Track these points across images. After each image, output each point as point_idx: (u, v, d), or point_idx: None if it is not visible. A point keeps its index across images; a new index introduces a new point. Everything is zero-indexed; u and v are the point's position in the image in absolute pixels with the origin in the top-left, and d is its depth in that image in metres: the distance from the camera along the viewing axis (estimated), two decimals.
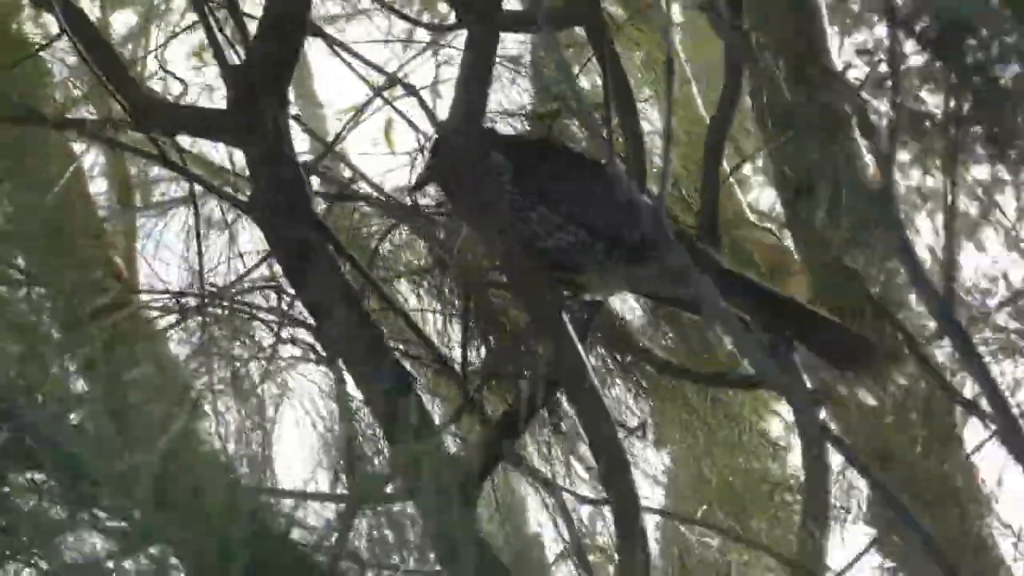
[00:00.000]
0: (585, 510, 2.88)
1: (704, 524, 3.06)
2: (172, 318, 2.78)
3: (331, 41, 3.05)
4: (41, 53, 2.91)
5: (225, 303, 2.77)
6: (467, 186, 2.31)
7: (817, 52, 3.06)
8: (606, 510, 2.75)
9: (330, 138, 3.19)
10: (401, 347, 2.73)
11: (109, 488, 1.95)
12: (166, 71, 3.10)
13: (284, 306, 2.74)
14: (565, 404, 2.72)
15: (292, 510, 2.14)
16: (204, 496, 1.93)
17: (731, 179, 3.26)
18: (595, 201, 2.31)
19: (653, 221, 2.06)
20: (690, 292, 2.15)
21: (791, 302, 2.41)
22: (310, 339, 2.72)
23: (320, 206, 2.81)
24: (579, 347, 2.25)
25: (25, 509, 1.96)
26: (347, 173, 3.15)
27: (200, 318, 2.76)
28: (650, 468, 3.04)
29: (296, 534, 2.02)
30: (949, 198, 2.01)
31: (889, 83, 1.95)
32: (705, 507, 3.13)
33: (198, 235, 2.91)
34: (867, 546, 3.04)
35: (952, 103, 1.98)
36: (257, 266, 2.71)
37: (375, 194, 2.94)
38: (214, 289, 2.82)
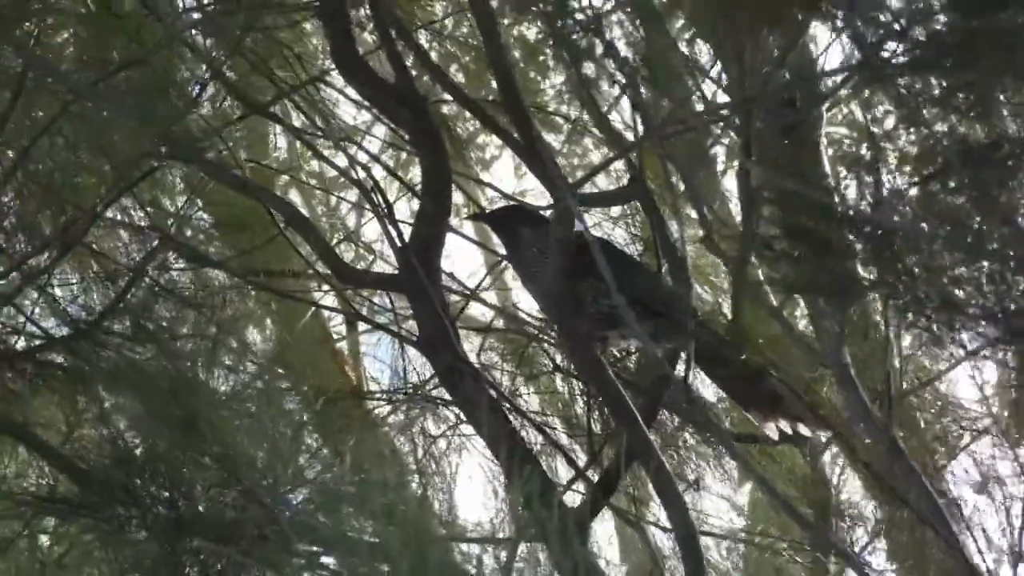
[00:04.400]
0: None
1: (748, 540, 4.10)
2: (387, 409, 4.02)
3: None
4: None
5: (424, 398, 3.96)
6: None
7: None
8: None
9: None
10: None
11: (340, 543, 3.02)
12: (366, 247, 4.34)
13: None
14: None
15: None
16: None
17: None
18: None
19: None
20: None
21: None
22: None
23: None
24: (640, 420, 3.19)
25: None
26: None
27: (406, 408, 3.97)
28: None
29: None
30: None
31: None
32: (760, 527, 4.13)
33: (402, 351, 4.11)
34: None
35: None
36: (429, 380, 3.84)
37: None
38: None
